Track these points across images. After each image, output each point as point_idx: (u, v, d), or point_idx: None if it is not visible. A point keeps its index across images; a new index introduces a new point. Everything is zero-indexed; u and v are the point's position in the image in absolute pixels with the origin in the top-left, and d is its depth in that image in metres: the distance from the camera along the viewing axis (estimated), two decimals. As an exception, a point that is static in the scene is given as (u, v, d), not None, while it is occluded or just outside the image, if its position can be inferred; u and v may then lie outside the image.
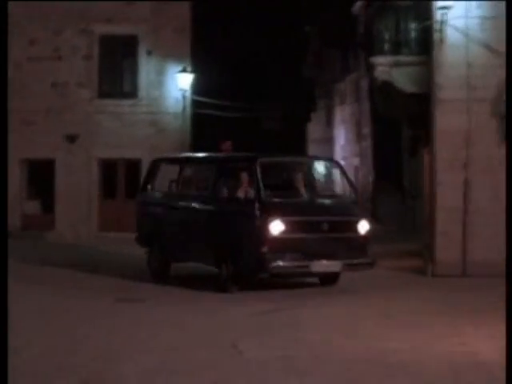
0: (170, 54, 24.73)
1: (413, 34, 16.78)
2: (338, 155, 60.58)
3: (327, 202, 14.47)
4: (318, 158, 18.49)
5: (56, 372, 7.90)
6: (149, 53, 24.85)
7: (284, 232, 13.09)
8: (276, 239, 13.04)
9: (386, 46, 16.83)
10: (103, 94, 25.04)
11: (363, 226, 13.75)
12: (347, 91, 46.21)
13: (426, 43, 16.13)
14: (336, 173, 15.34)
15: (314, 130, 61.54)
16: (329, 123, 63.34)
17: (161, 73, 24.96)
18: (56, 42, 24.71)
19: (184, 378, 7.77)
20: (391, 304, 12.52)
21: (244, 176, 13.89)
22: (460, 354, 8.63)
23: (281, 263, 13.05)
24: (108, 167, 25.25)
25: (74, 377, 7.72)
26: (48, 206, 25.00)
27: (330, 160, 18.23)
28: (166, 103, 25.01)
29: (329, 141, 62.56)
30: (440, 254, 15.46)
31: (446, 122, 15.26)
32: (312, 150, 59.36)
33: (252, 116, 32.90)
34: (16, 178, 24.51)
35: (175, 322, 10.81)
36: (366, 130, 43.80)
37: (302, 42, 44.42)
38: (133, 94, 25.09)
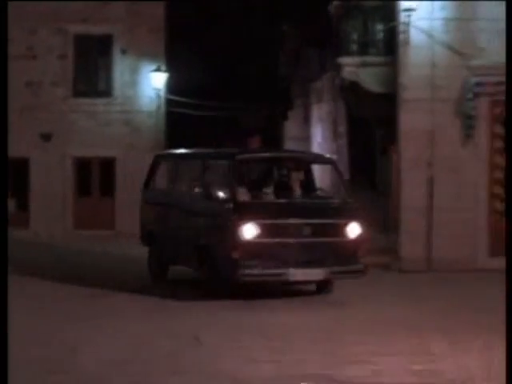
0: (144, 54, 24.96)
1: (380, 35, 17.09)
2: (315, 153, 61.09)
3: (313, 202, 13.17)
4: (309, 154, 17.35)
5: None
6: (123, 52, 25.06)
7: (258, 236, 11.92)
8: (249, 244, 11.87)
9: (354, 47, 17.10)
10: (78, 93, 25.23)
11: (353, 230, 12.45)
12: (324, 89, 46.28)
13: (393, 44, 16.45)
14: (328, 170, 14.48)
15: (291, 128, 61.87)
16: (306, 121, 63.80)
17: (135, 72, 25.17)
18: (31, 41, 24.88)
19: (143, 366, 8.09)
20: (351, 299, 12.80)
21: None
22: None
23: (253, 271, 11.89)
24: (83, 166, 25.43)
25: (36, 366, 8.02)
26: (22, 205, 25.14)
27: (322, 156, 16.76)
28: (140, 102, 25.24)
29: (306, 139, 62.98)
30: (405, 250, 15.79)
31: (411, 121, 15.58)
32: (289, 147, 59.71)
33: (229, 115, 33.10)
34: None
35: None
36: (342, 129, 44.16)
37: (279, 41, 44.69)
38: (107, 92, 25.30)
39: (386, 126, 19.35)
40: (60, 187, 24.82)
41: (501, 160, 15.61)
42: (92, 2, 24.64)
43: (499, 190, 15.61)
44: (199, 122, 29.88)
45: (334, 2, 26.10)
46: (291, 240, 12.15)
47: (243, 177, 13.04)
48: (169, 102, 25.98)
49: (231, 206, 12.18)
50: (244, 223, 11.89)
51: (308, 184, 13.65)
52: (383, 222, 25.77)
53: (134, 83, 25.17)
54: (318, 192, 13.70)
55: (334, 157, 53.68)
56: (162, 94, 25.18)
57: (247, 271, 11.87)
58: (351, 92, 19.17)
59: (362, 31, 17.02)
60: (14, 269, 13.33)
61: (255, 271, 11.93)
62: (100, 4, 24.72)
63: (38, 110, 24.85)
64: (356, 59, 17.24)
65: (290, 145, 60.89)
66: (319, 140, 60.93)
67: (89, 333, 9.93)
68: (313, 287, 13.13)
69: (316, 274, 12.28)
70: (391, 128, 17.22)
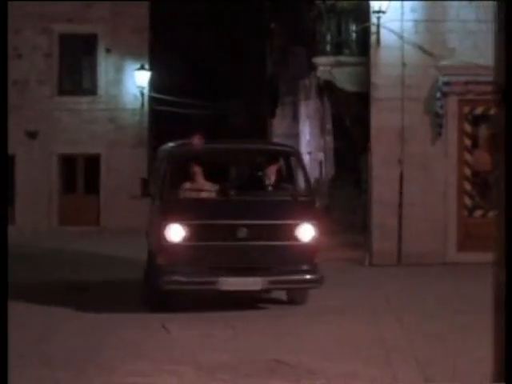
0: (128, 52, 25.42)
1: (353, 36, 17.53)
2: (303, 150, 61.52)
3: (257, 200, 11.36)
4: (264, 145, 15.12)
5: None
6: (108, 51, 25.50)
7: (186, 239, 10.49)
8: (175, 248, 10.48)
9: (328, 47, 17.53)
10: (63, 91, 25.67)
11: (306, 232, 10.67)
12: (312, 87, 46.74)
13: (366, 44, 16.89)
14: (291, 163, 12.08)
15: (279, 125, 62.34)
16: (295, 118, 64.25)
17: (119, 70, 25.62)
18: (16, 41, 25.23)
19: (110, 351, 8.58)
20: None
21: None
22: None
23: (179, 278, 10.51)
24: (68, 162, 25.89)
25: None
26: (8, 201, 25.50)
27: (284, 147, 13.73)
28: (124, 100, 25.69)
29: (295, 136, 63.44)
30: (376, 245, 16.23)
31: (382, 119, 16.01)
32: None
33: (215, 113, 33.51)
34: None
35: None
36: (329, 126, 44.60)
37: (266, 39, 45.12)
38: (92, 91, 25.74)
39: (361, 125, 19.81)
40: (45, 184, 25.27)
41: (469, 157, 16.10)
42: (77, 2, 25.06)
43: (468, 187, 16.09)
44: (185, 120, 30.28)
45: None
46: (223, 243, 10.62)
47: (179, 172, 11.52)
48: (153, 100, 26.42)
49: (158, 204, 10.96)
50: (169, 224, 10.47)
51: (263, 178, 12.10)
52: (363, 219, 26.33)
53: (118, 81, 25.62)
54: (282, 187, 11.78)
55: (322, 154, 54.16)
56: (146, 91, 25.62)
57: (172, 278, 10.49)
58: (326, 91, 19.59)
59: (336, 32, 17.43)
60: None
61: (181, 278, 10.53)
62: (85, 4, 25.15)
63: (24, 108, 25.26)
64: (330, 59, 17.66)
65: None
66: (307, 137, 61.42)
67: (60, 322, 10.42)
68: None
69: (252, 283, 10.57)
70: (364, 127, 17.64)
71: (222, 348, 8.80)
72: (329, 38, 17.48)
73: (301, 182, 12.44)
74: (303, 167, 11.85)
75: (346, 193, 30.82)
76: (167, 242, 10.48)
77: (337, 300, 11.91)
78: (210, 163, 12.47)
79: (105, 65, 25.53)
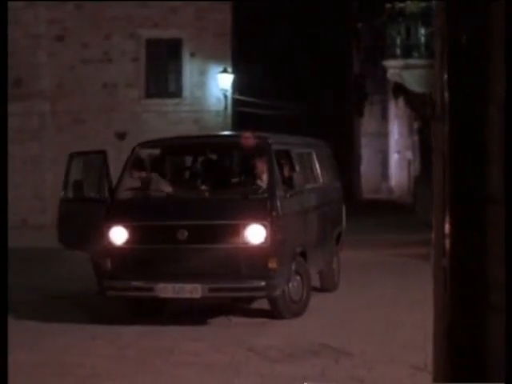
0: (211, 56, 26.37)
1: (422, 39, 18.07)
2: (392, 149, 61.80)
3: (211, 198, 10.51)
4: (235, 138, 12.54)
5: None
6: (192, 55, 26.50)
7: (128, 242, 9.89)
8: (118, 251, 9.90)
9: (398, 50, 18.10)
10: (150, 94, 26.78)
11: (255, 234, 9.60)
12: (400, 86, 46.75)
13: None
14: (264, 157, 10.48)
15: (368, 124, 62.73)
16: (384, 118, 64.50)
17: (203, 74, 26.60)
18: (106, 46, 26.51)
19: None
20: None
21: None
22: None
23: (118, 283, 9.89)
24: (155, 163, 26.98)
25: None
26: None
27: (259, 138, 10.87)
28: (208, 102, 26.67)
29: (384, 135, 63.74)
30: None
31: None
32: (365, 144, 60.56)
33: (298, 114, 34.14)
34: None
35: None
36: (416, 125, 44.88)
37: (352, 38, 45.60)
38: (177, 93, 26.79)
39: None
40: (133, 182, 26.39)
41: None
42: (162, 8, 26.18)
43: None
44: (268, 121, 31.00)
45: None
46: (162, 246, 9.86)
47: (138, 171, 10.90)
48: (236, 102, 27.33)
49: (107, 204, 10.34)
50: (112, 226, 9.95)
51: (228, 174, 11.57)
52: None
53: (202, 84, 26.61)
54: (248, 184, 10.78)
55: (410, 153, 54.09)
56: (229, 94, 26.54)
57: (110, 283, 9.96)
58: (398, 92, 20.17)
59: (405, 35, 17.99)
60: None
61: (118, 284, 9.92)
62: (170, 9, 26.23)
63: (114, 110, 26.52)
64: (400, 62, 18.20)
65: (365, 141, 61.71)
66: (396, 136, 61.51)
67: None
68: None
69: (191, 290, 9.64)
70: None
71: (274, 333, 9.62)
72: (398, 41, 18.03)
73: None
74: (269, 161, 10.27)
75: (431, 191, 31.26)
76: (110, 244, 9.93)
77: (389, 290, 12.58)
78: (176, 159, 12.23)
79: (189, 68, 26.55)
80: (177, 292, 9.67)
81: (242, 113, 27.70)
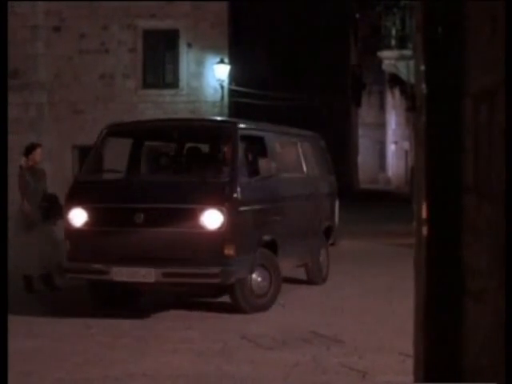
0: (208, 47, 26.40)
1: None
2: (389, 139, 61.89)
3: (164, 181, 10.21)
4: (203, 121, 12.98)
5: None
6: (189, 46, 26.54)
7: (87, 224, 9.87)
8: (76, 233, 9.90)
9: (393, 41, 18.16)
10: (147, 85, 26.81)
11: (213, 219, 9.36)
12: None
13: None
14: (230, 142, 10.34)
15: (366, 114, 62.82)
16: (381, 108, 64.57)
17: (200, 64, 26.65)
18: (103, 37, 26.55)
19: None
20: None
21: None
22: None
23: (77, 265, 9.85)
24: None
25: None
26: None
27: (225, 123, 11.56)
28: (205, 92, 26.72)
29: (381, 125, 63.84)
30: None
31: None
32: (363, 134, 60.64)
33: (296, 104, 34.22)
34: (68, 162, 26.54)
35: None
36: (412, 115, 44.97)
37: (349, 29, 45.63)
38: (174, 84, 26.83)
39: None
40: (130, 173, 26.48)
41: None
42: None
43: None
44: (265, 111, 31.11)
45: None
46: (119, 229, 9.73)
47: (104, 153, 11.09)
48: (232, 93, 27.40)
49: (71, 187, 10.44)
50: (71, 208, 9.99)
51: (190, 158, 11.44)
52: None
53: (199, 75, 26.66)
54: (209, 169, 10.43)
55: (407, 143, 54.13)
56: (226, 84, 26.60)
57: (70, 265, 9.97)
58: (393, 83, 20.23)
59: (400, 26, 18.04)
60: None
61: (78, 266, 9.87)
62: (167, 1, 26.27)
63: (111, 100, 26.58)
64: (395, 53, 18.25)
65: (363, 131, 61.81)
66: (393, 127, 61.53)
67: None
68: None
69: (144, 274, 9.43)
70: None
71: (266, 322, 9.74)
72: (393, 32, 18.10)
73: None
74: (233, 146, 10.08)
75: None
76: (70, 226, 9.95)
77: (383, 279, 12.70)
78: (142, 142, 12.24)
79: (186, 59, 26.60)
80: (131, 276, 9.49)
81: (238, 103, 27.78)
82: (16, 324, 9.10)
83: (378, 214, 28.40)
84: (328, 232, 13.07)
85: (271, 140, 11.07)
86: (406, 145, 53.80)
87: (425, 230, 3.21)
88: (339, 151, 33.19)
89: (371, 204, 35.42)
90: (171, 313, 10.37)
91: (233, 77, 26.89)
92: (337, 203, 13.61)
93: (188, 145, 12.12)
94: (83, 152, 27.28)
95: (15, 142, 23.97)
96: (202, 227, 9.35)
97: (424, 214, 3.23)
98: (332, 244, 13.49)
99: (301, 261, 12.16)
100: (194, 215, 9.36)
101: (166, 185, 9.98)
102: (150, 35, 26.49)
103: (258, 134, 10.86)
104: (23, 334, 9.02)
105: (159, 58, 26.84)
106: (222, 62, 26.11)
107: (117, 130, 11.31)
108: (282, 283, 11.07)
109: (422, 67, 3.21)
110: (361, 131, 59.22)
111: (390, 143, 61.83)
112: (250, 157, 10.65)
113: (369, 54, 49.41)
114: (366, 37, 50.73)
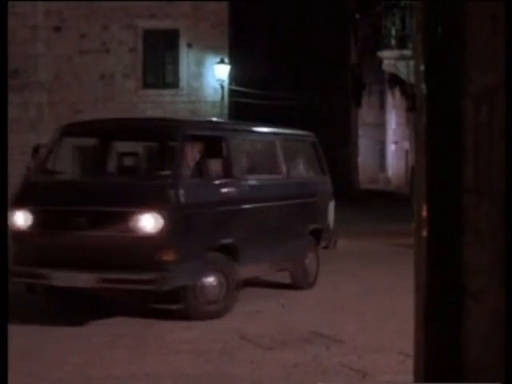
0: (208, 47, 26.46)
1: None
2: (389, 139, 61.90)
3: (120, 183, 9.78)
4: (152, 121, 12.41)
5: None
6: (189, 46, 26.58)
7: (30, 226, 9.59)
8: (20, 235, 9.59)
9: (392, 41, 18.15)
10: (147, 85, 26.88)
11: (151, 223, 8.98)
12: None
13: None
14: (175, 143, 9.97)
15: (366, 114, 62.80)
16: (382, 108, 64.56)
17: (200, 64, 26.69)
18: (104, 37, 26.59)
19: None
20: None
21: None
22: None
23: (16, 269, 9.34)
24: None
25: None
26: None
27: (170, 122, 11.01)
28: (205, 92, 26.76)
29: (381, 125, 63.84)
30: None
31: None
32: (363, 134, 60.63)
33: (295, 104, 34.21)
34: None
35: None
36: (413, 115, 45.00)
37: (349, 29, 45.61)
38: (174, 84, 26.88)
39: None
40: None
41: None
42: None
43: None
44: (265, 111, 31.09)
45: None
46: (60, 233, 9.43)
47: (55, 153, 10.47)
48: (232, 93, 27.41)
49: (21, 188, 10.12)
50: (15, 209, 9.64)
51: (137, 160, 11.08)
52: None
53: (199, 75, 26.70)
54: (155, 171, 10.32)
55: (408, 143, 54.10)
56: (226, 84, 26.62)
57: (15, 268, 9.34)
58: (393, 83, 20.23)
59: (400, 26, 18.03)
60: None
61: (21, 270, 9.46)
62: (167, 1, 26.30)
63: (111, 100, 26.60)
64: (395, 53, 18.24)
65: (363, 131, 61.79)
66: (393, 127, 61.52)
67: None
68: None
69: (82, 279, 9.14)
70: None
71: (266, 322, 9.75)
72: (393, 32, 18.09)
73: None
74: (178, 146, 9.67)
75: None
76: (13, 228, 9.51)
77: (383, 279, 12.71)
78: (92, 142, 11.81)
79: (186, 59, 26.64)
80: (69, 281, 9.23)
81: (238, 103, 27.79)
82: (16, 324, 9.09)
83: (378, 214, 28.40)
84: (317, 234, 12.44)
85: (235, 140, 10.51)
86: (406, 145, 53.81)
87: (425, 230, 3.22)
88: (339, 151, 33.24)
89: (371, 204, 35.43)
90: (171, 313, 10.36)
91: (233, 77, 26.91)
92: (331, 204, 12.99)
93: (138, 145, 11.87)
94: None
95: (15, 142, 24.01)
96: (140, 231, 9.00)
97: (424, 214, 3.23)
98: (325, 247, 12.94)
99: (276, 265, 11.56)
100: (132, 219, 9.01)
101: (109, 187, 9.67)
102: (150, 35, 26.54)
103: (215, 134, 10.38)
104: (23, 333, 9.02)
105: (159, 58, 26.89)
106: (222, 62, 26.14)
107: (70, 130, 10.76)
108: (282, 284, 11.06)
109: (422, 67, 3.21)
110: (361, 131, 59.20)
111: (390, 143, 61.87)
112: (203, 158, 10.22)
113: (369, 54, 49.39)
114: (366, 37, 50.69)
